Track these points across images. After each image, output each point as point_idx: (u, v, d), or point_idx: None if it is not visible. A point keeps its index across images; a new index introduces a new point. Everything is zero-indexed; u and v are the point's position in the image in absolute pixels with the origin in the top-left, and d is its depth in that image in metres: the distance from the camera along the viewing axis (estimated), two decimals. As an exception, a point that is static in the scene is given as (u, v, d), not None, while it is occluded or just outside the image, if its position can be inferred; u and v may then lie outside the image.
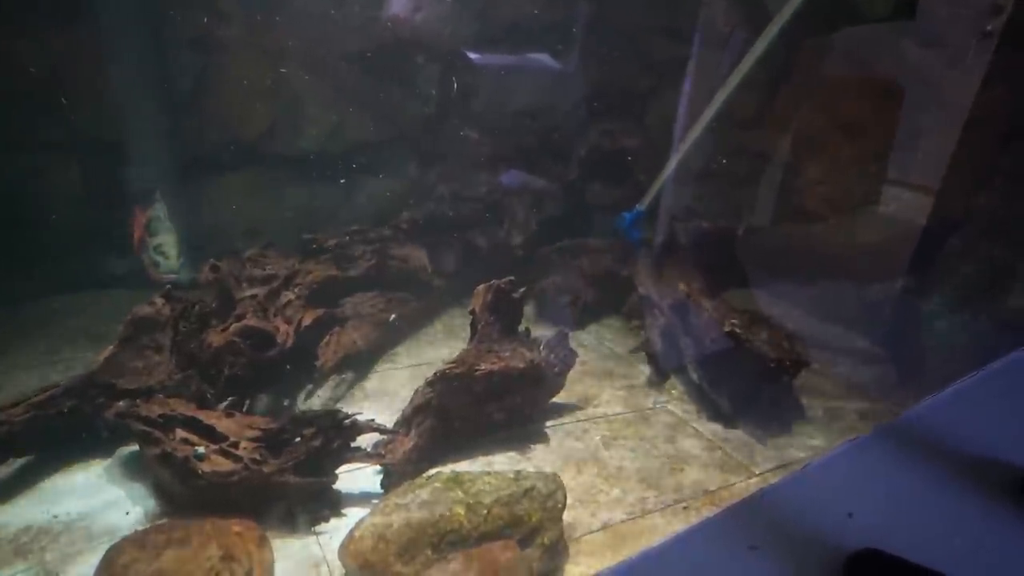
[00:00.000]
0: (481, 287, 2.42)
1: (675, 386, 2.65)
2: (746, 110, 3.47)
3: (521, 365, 2.22)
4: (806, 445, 2.29)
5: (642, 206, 3.37)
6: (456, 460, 2.11)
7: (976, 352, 2.60)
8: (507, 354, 2.25)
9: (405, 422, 2.10)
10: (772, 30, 2.80)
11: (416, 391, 2.16)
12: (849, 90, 3.17)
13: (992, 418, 1.10)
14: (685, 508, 1.94)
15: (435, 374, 2.14)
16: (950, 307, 2.78)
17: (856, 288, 3.16)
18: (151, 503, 1.83)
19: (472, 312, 2.41)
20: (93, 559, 1.49)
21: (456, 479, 1.72)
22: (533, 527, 1.66)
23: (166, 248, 2.80)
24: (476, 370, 2.14)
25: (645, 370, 2.75)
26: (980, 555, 0.89)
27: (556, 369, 2.38)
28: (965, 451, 1.03)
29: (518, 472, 1.78)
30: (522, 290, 2.44)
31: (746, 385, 2.39)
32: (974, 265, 2.77)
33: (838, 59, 3.21)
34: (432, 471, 1.93)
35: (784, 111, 3.46)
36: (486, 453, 2.16)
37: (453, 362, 2.17)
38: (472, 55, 3.68)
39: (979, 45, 2.66)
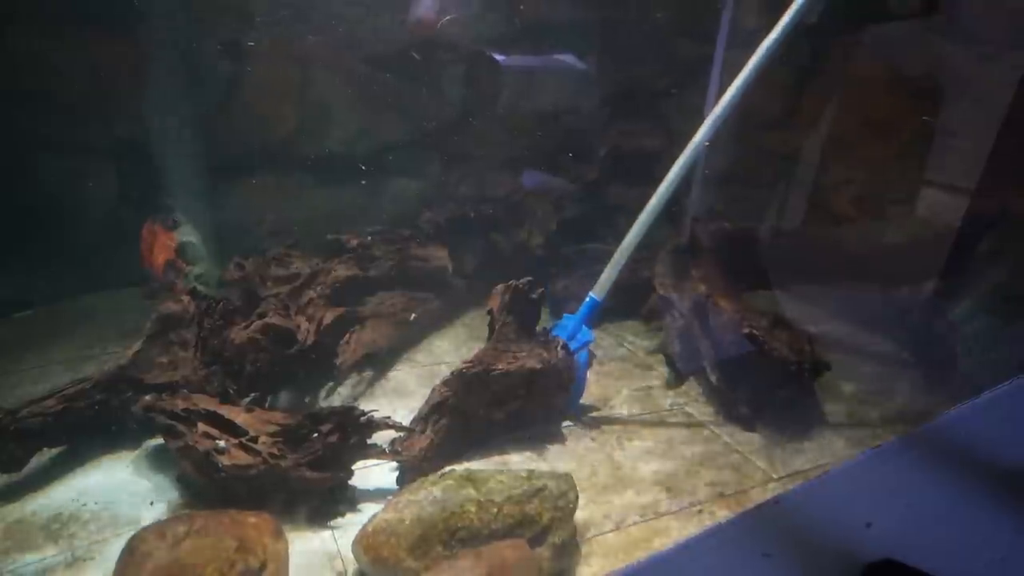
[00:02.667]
0: (499, 287, 2.43)
1: (693, 388, 2.62)
2: (771, 110, 3.42)
3: (537, 365, 2.23)
4: (826, 451, 2.24)
5: (598, 296, 2.42)
6: (471, 458, 2.13)
7: (1010, 359, 2.51)
8: (524, 354, 2.26)
9: (422, 420, 2.12)
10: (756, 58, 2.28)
11: (433, 389, 2.18)
12: (878, 88, 3.10)
13: (1025, 429, 1.05)
14: (700, 512, 1.92)
15: (452, 373, 2.16)
16: (982, 311, 2.69)
17: (884, 290, 3.08)
18: (175, 494, 1.89)
19: (490, 312, 2.42)
20: (118, 546, 1.54)
21: (468, 477, 1.73)
22: (544, 526, 1.67)
23: (208, 280, 2.77)
24: (492, 370, 2.17)
25: (663, 371, 2.73)
26: (1008, 570, 0.85)
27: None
28: (996, 462, 0.99)
29: (530, 471, 1.79)
30: (540, 291, 2.44)
31: (765, 388, 2.36)
32: (1008, 268, 2.68)
33: (867, 56, 3.14)
34: (447, 468, 1.96)
35: (811, 110, 3.40)
36: (501, 452, 2.18)
37: (470, 361, 2.19)
38: (496, 56, 3.70)
39: (1014, 40, 2.58)
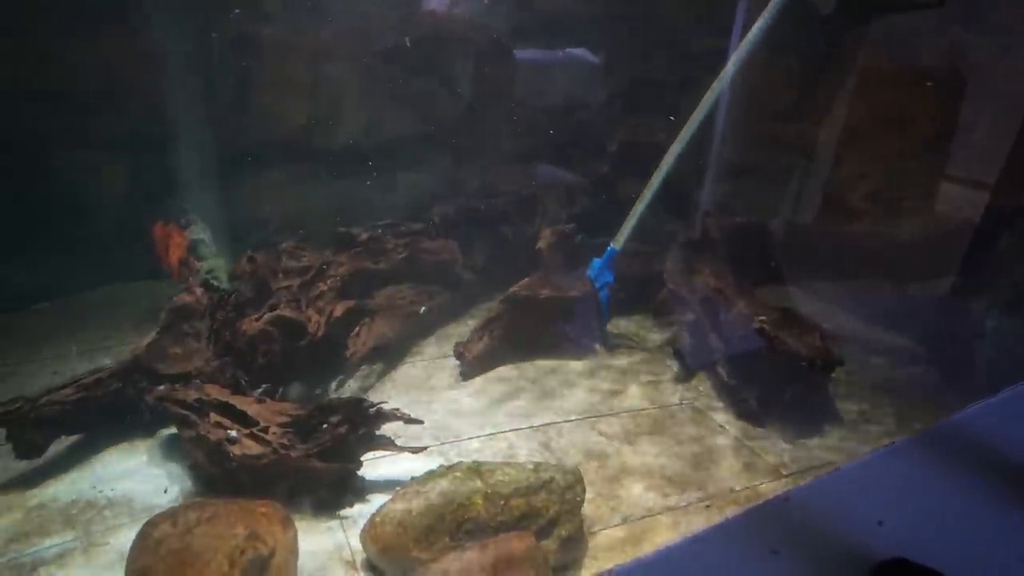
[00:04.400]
0: (547, 230, 3.04)
1: (703, 383, 2.61)
2: (785, 102, 3.38)
3: (576, 294, 2.76)
4: (837, 448, 2.22)
5: (617, 245, 2.88)
6: (516, 361, 2.70)
7: (1028, 356, 2.47)
8: (565, 285, 2.76)
9: (480, 329, 2.68)
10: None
11: (491, 309, 2.75)
12: (895, 81, 3.05)
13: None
14: (708, 507, 1.92)
15: (506, 294, 2.71)
16: (1001, 308, 2.64)
17: (899, 286, 3.05)
18: (187, 483, 1.93)
19: (538, 249, 2.96)
20: (132, 532, 1.57)
21: (476, 469, 1.74)
22: (551, 519, 1.67)
23: (219, 274, 2.86)
24: (539, 295, 2.70)
25: (673, 366, 2.72)
26: (1022, 571, 0.84)
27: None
28: (1011, 462, 0.98)
29: (537, 464, 1.80)
30: (580, 236, 2.98)
31: (776, 383, 2.34)
32: (1027, 264, 2.63)
33: (884, 48, 3.09)
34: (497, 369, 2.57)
35: (826, 103, 3.35)
36: (541, 358, 2.73)
37: (521, 286, 2.72)
38: (508, 50, 3.69)
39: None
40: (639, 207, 2.83)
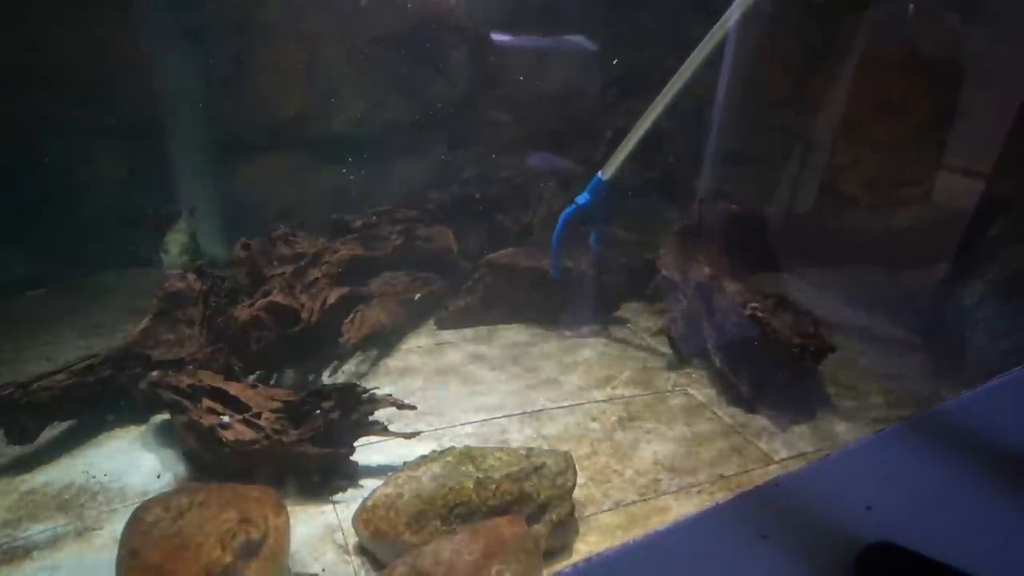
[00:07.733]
0: (544, 207, 3.18)
1: (696, 369, 2.62)
2: (780, 89, 3.36)
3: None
4: (829, 434, 2.24)
5: (604, 175, 2.68)
6: (493, 323, 2.94)
7: (1021, 345, 2.48)
8: (545, 258, 2.86)
9: (464, 291, 2.93)
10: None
11: (475, 269, 2.95)
12: (891, 68, 3.04)
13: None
14: (699, 492, 1.93)
15: (485, 261, 2.91)
16: (994, 295, 2.65)
17: (893, 274, 3.05)
18: (180, 468, 1.93)
19: (526, 225, 3.19)
20: (126, 516, 1.57)
21: (468, 454, 1.75)
22: (542, 504, 1.68)
23: (169, 246, 2.94)
24: (516, 265, 2.88)
25: (666, 352, 2.73)
26: (1010, 555, 0.85)
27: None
28: (1000, 448, 0.98)
29: (530, 449, 1.81)
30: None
31: (768, 370, 2.35)
32: (1021, 251, 2.63)
33: (881, 35, 3.07)
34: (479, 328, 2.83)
35: (821, 90, 3.34)
36: (516, 323, 2.94)
37: (503, 254, 2.92)
38: (504, 36, 3.66)
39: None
40: (635, 136, 2.63)
